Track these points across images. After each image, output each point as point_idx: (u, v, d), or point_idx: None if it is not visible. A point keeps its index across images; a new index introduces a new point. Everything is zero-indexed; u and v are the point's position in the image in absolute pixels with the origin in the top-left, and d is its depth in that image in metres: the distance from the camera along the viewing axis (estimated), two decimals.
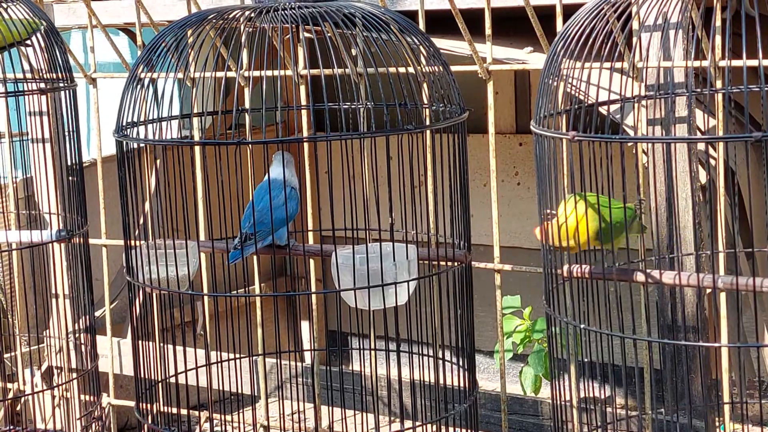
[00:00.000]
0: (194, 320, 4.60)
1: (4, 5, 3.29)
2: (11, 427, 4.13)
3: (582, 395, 2.56)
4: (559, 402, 2.55)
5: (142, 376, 2.83)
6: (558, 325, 2.51)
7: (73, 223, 3.31)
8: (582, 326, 2.45)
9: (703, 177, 3.21)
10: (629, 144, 3.17)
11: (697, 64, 2.95)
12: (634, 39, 3.08)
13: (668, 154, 2.98)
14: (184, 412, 3.94)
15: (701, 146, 3.18)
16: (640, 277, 2.53)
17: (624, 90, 2.74)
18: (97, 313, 4.28)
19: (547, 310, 2.54)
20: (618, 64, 2.91)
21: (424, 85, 2.91)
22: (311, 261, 3.71)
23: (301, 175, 3.19)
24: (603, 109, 2.79)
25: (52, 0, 4.33)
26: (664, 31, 2.60)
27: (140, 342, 2.83)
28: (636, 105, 2.79)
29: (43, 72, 3.26)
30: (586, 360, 2.51)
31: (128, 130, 2.77)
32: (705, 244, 3.14)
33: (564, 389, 2.54)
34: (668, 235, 3.08)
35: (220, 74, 3.72)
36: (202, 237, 3.71)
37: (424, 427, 2.83)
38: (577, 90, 2.50)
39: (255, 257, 3.70)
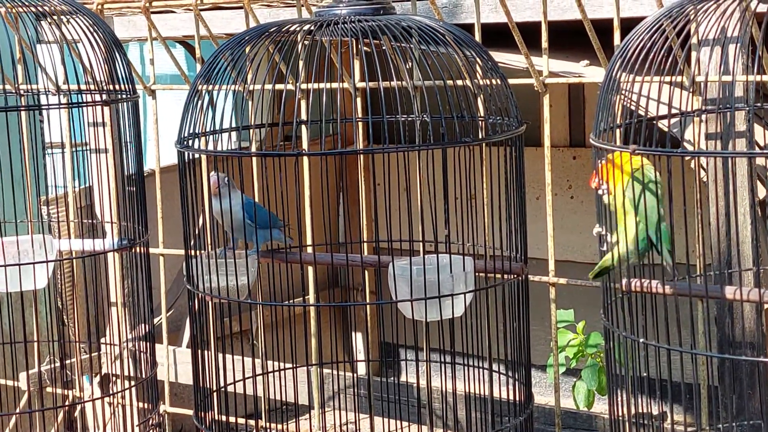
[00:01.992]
0: (252, 329, 4.64)
1: (65, 18, 3.34)
2: None
3: (639, 410, 2.55)
4: (616, 417, 2.54)
5: (201, 384, 2.86)
6: (616, 339, 2.51)
7: (133, 232, 3.35)
8: (641, 340, 2.44)
9: (762, 192, 3.20)
10: (687, 158, 3.16)
11: (757, 78, 2.94)
12: (693, 53, 3.07)
13: (727, 168, 2.97)
14: (239, 420, 3.97)
15: (761, 161, 3.16)
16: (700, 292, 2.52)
17: (683, 105, 2.74)
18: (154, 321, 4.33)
19: (606, 323, 2.54)
20: (677, 79, 2.91)
21: (480, 98, 2.92)
22: (366, 272, 3.72)
23: (358, 186, 3.22)
24: (661, 124, 2.79)
25: (113, 12, 4.39)
26: (724, 45, 2.60)
27: (199, 351, 2.86)
28: (695, 119, 2.79)
29: (105, 83, 3.30)
30: (643, 375, 2.51)
31: (189, 141, 2.80)
32: (764, 259, 3.12)
33: (621, 404, 2.53)
34: (727, 250, 3.06)
35: (278, 87, 3.75)
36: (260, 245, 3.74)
37: None
38: (636, 104, 2.50)
39: (311, 267, 3.74)
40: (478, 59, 2.80)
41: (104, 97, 3.29)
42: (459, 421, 3.37)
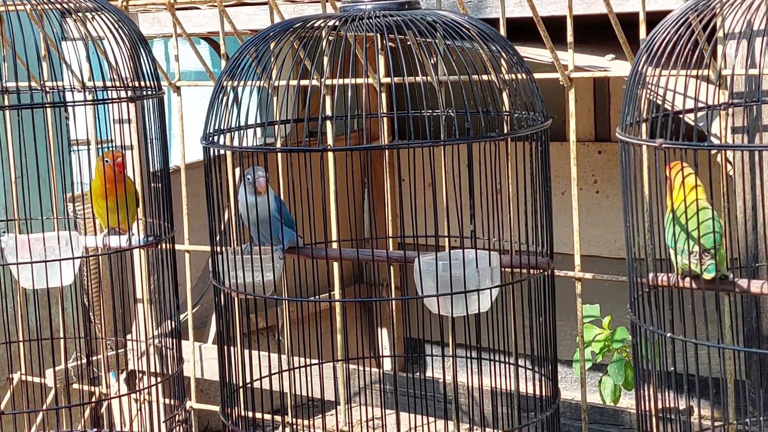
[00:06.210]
0: (277, 325, 4.66)
1: (90, 15, 3.35)
2: (95, 430, 4.20)
3: (667, 405, 2.54)
4: (642, 411, 2.53)
5: (227, 380, 2.87)
6: (642, 333, 2.50)
7: (159, 228, 3.35)
8: (668, 335, 2.43)
9: None
10: (714, 152, 3.14)
11: None
12: (719, 47, 3.05)
13: (754, 162, 2.95)
14: (265, 416, 3.98)
15: None
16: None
17: (710, 98, 2.72)
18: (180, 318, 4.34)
19: (632, 318, 2.53)
20: (703, 72, 2.89)
21: (505, 93, 2.91)
22: (391, 268, 3.72)
23: (384, 181, 3.21)
24: (687, 118, 2.77)
25: (137, 9, 4.40)
26: (750, 39, 2.59)
27: (225, 347, 2.86)
28: (721, 113, 2.78)
29: (130, 80, 3.31)
30: (670, 369, 2.50)
31: (214, 137, 2.81)
32: None
33: (648, 398, 2.52)
34: (754, 243, 3.05)
35: (303, 83, 3.75)
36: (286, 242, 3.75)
37: None
38: (662, 98, 2.49)
39: (336, 263, 3.74)
40: (503, 54, 2.79)
41: (129, 93, 3.29)
42: (485, 417, 3.37)
